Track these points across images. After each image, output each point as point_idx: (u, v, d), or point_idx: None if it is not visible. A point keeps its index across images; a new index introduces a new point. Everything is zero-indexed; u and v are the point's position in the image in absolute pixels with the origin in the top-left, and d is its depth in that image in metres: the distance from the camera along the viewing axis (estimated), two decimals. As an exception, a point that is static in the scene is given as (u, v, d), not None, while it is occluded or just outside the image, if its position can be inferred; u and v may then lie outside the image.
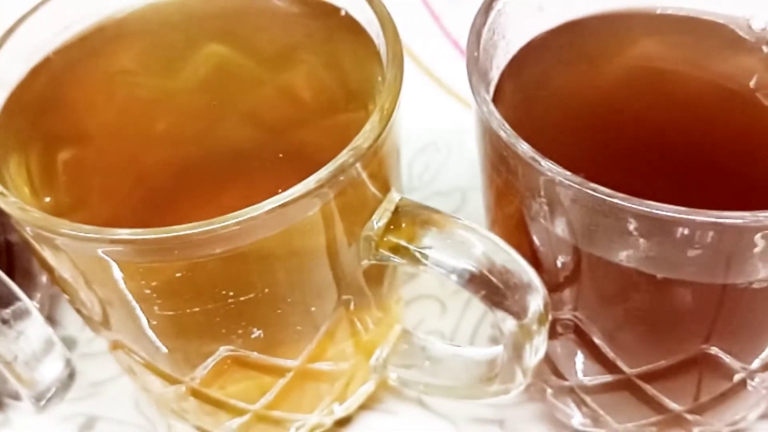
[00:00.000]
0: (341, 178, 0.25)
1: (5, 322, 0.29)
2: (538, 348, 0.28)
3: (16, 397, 0.32)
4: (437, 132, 0.47)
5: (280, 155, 0.29)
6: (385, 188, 0.28)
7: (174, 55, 0.32)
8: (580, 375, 0.32)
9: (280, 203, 0.24)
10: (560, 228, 0.26)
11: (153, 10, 0.33)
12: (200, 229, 0.23)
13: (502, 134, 0.25)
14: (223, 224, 0.23)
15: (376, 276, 0.31)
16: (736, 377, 0.29)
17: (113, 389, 0.38)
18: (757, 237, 0.23)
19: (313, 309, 0.29)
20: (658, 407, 0.31)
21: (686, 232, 0.23)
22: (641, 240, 0.24)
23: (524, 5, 0.30)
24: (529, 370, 0.28)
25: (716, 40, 0.32)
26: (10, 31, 0.30)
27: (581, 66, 0.31)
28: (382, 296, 0.32)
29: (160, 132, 0.30)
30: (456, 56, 0.49)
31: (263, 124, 0.30)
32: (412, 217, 0.27)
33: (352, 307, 0.30)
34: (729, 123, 0.30)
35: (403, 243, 0.27)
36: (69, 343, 0.40)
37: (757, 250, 0.24)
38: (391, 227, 0.27)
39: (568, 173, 0.24)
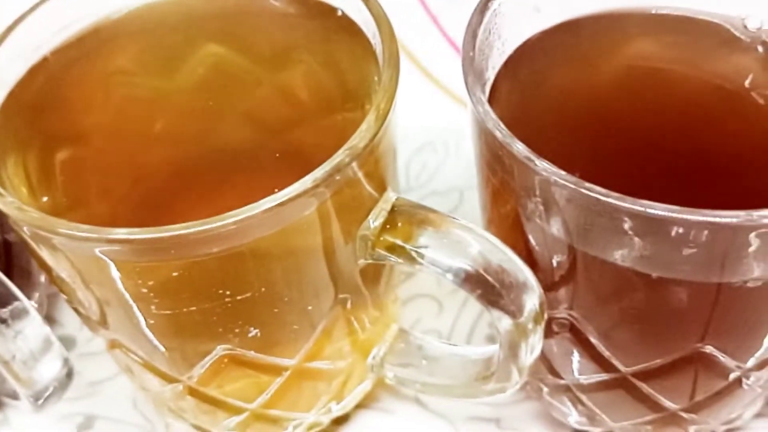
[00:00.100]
0: (337, 177, 0.25)
1: (3, 321, 0.29)
2: (533, 347, 0.28)
3: (15, 396, 0.32)
4: (435, 131, 0.47)
5: (277, 155, 0.29)
6: (381, 188, 0.28)
7: (171, 55, 0.32)
8: (576, 374, 0.32)
9: (276, 203, 0.24)
10: (556, 227, 0.26)
11: (151, 10, 0.33)
12: (197, 229, 0.23)
13: (498, 134, 0.25)
14: (219, 224, 0.23)
15: (373, 275, 0.31)
16: (732, 376, 0.29)
17: (111, 388, 0.38)
18: (752, 236, 0.23)
19: (309, 308, 0.29)
20: (654, 406, 0.31)
21: (681, 231, 0.23)
22: (636, 239, 0.24)
23: (520, 5, 0.30)
24: (525, 368, 0.29)
25: (711, 39, 0.32)
26: (8, 31, 0.30)
27: (577, 66, 0.31)
28: (379, 295, 0.33)
29: (157, 132, 0.30)
30: (453, 56, 0.49)
31: (260, 124, 0.30)
32: (408, 217, 0.28)
33: (348, 306, 0.30)
34: (724, 123, 0.30)
35: (399, 242, 0.27)
36: (68, 342, 0.40)
37: (751, 249, 0.24)
38: (388, 226, 0.27)
39: (563, 173, 0.24)
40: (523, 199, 0.27)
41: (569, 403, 0.34)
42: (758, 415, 0.34)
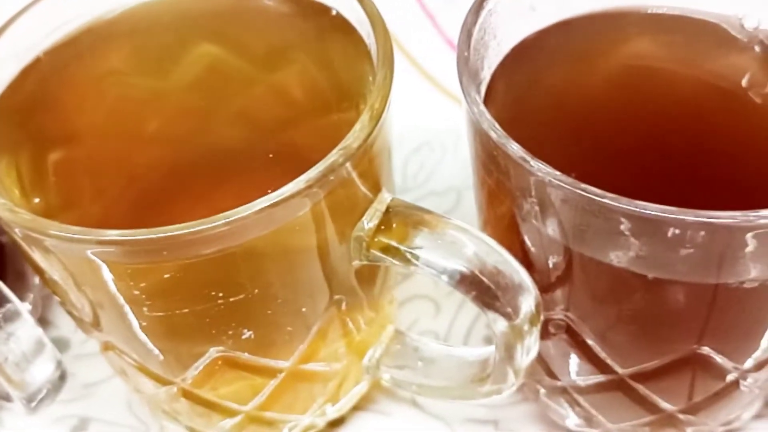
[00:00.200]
0: (331, 177, 0.25)
1: (-5, 323, 0.29)
2: (529, 348, 0.28)
3: (7, 398, 0.32)
4: (432, 132, 0.46)
5: (271, 155, 0.29)
6: (376, 188, 0.28)
7: (165, 55, 0.32)
8: (572, 375, 0.32)
9: (269, 203, 0.24)
10: (551, 228, 0.26)
11: (144, 10, 0.33)
12: (190, 230, 0.23)
13: (493, 135, 0.25)
14: (212, 225, 0.23)
15: (368, 276, 0.31)
16: (729, 377, 0.29)
17: (106, 390, 0.38)
18: (749, 236, 0.23)
19: (304, 309, 0.29)
20: (652, 407, 0.31)
21: (677, 231, 0.23)
22: (632, 240, 0.24)
23: (516, 5, 0.30)
24: (521, 370, 0.28)
25: (708, 39, 0.31)
26: (1, 31, 0.30)
27: (573, 66, 0.31)
28: (375, 296, 0.32)
29: (150, 132, 0.30)
30: (450, 55, 0.48)
31: (254, 124, 0.30)
32: (403, 218, 0.27)
33: (343, 307, 0.30)
34: (721, 122, 0.29)
35: (393, 243, 0.27)
36: (62, 344, 0.40)
37: (748, 249, 0.24)
38: (382, 227, 0.27)
39: (559, 173, 0.24)
40: (519, 200, 0.26)
41: (566, 405, 0.34)
42: (757, 416, 0.34)
